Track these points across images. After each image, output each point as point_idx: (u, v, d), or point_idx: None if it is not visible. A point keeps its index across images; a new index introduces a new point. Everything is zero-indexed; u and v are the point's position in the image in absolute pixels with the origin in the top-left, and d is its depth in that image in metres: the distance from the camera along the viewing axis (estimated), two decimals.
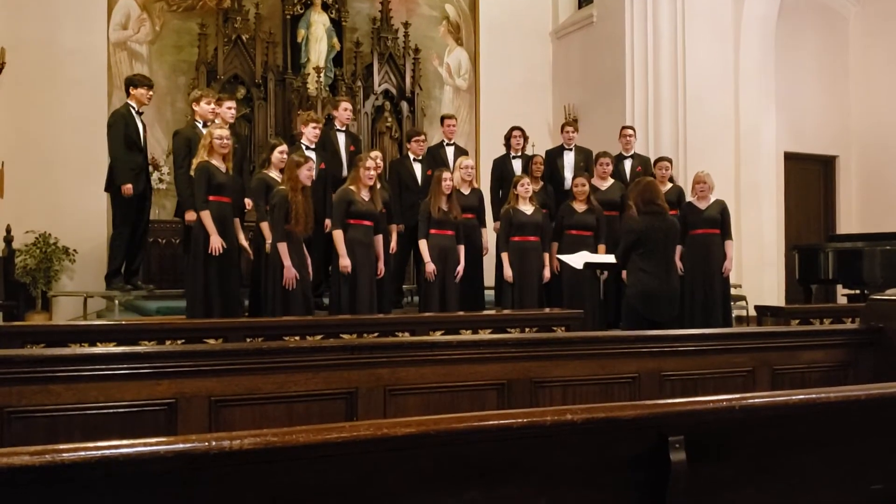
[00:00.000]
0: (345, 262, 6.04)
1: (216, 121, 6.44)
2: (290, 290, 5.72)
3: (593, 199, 7.07)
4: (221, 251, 5.77)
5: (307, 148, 6.74)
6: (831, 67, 11.26)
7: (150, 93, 7.05)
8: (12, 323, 6.05)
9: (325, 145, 7.14)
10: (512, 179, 7.61)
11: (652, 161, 8.06)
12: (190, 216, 6.15)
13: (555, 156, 8.08)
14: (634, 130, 8.35)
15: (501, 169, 7.94)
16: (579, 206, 7.00)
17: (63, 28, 8.67)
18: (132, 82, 7.02)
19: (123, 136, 6.81)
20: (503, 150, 8.11)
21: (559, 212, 7.16)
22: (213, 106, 6.54)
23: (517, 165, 7.84)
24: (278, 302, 5.72)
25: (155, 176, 8.18)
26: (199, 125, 6.53)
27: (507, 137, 8.01)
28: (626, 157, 8.03)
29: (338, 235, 6.10)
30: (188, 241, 6.16)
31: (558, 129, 8.66)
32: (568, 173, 7.92)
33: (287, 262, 5.70)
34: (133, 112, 6.93)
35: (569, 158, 8.06)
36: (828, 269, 8.92)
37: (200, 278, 5.81)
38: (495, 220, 7.51)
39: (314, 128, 6.85)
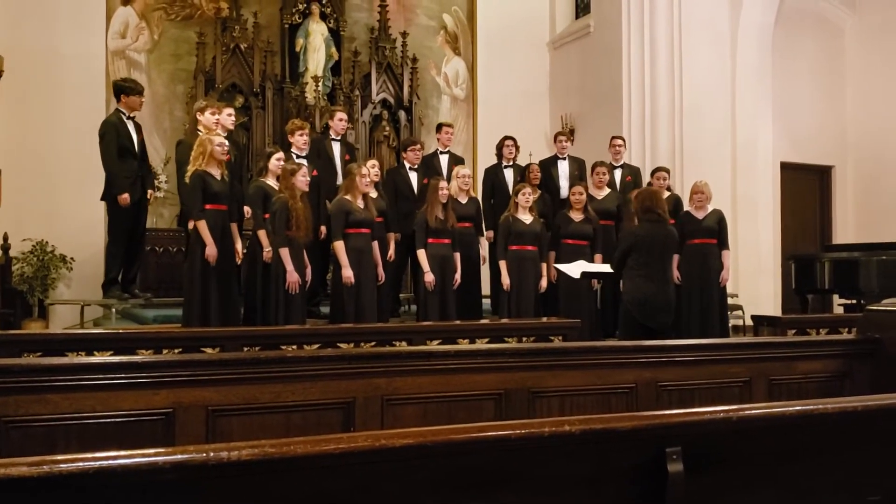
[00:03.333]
0: (347, 272, 6.03)
1: (216, 129, 6.43)
2: (293, 296, 5.75)
3: (590, 209, 7.08)
4: (216, 261, 5.77)
5: (297, 156, 6.73)
6: (828, 78, 11.31)
7: (142, 99, 7.00)
8: (9, 331, 6.03)
9: (320, 154, 7.15)
10: (503, 188, 7.63)
11: (645, 171, 8.10)
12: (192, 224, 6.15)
13: (548, 165, 8.10)
14: (624, 140, 8.38)
15: (493, 178, 7.97)
16: (576, 216, 7.00)
17: (61, 36, 8.68)
18: (122, 89, 6.94)
19: (115, 145, 6.76)
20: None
21: (555, 221, 7.16)
22: (217, 117, 6.54)
23: (509, 175, 7.86)
24: (280, 308, 5.74)
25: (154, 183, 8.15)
26: (202, 134, 6.52)
27: (499, 147, 8.03)
28: (616, 167, 8.04)
29: (339, 247, 6.09)
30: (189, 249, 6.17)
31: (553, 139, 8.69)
32: (563, 182, 7.94)
33: (290, 267, 5.73)
34: (124, 118, 6.88)
35: (563, 168, 8.08)
36: (824, 278, 8.93)
37: (197, 287, 5.81)
38: (487, 229, 7.52)
39: (301, 135, 6.85)
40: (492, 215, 7.55)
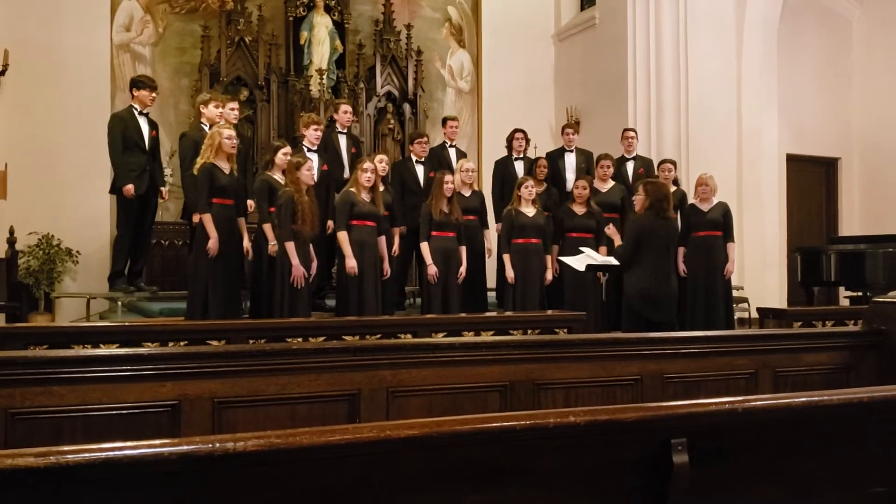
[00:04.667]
0: (351, 263, 6.06)
1: (220, 122, 6.44)
2: (298, 290, 5.76)
3: (592, 202, 7.06)
4: (218, 254, 5.77)
5: (308, 150, 6.75)
6: (833, 70, 11.26)
7: (153, 94, 7.07)
8: (15, 324, 6.06)
9: (327, 147, 7.16)
10: (513, 181, 7.62)
11: (655, 163, 8.07)
12: (197, 218, 6.16)
13: (556, 158, 8.09)
14: (636, 132, 8.36)
15: (503, 171, 7.96)
16: (578, 209, 7.00)
17: (66, 30, 8.68)
18: (134, 83, 7.06)
19: (121, 138, 6.84)
20: (505, 153, 8.13)
21: (558, 214, 7.16)
22: (220, 109, 6.55)
23: (519, 167, 7.85)
24: (286, 301, 5.76)
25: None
26: (206, 127, 6.54)
27: (510, 139, 8.03)
28: (628, 160, 8.04)
29: (342, 237, 6.12)
30: (194, 242, 6.18)
31: (560, 132, 8.67)
32: (570, 175, 7.92)
33: (295, 260, 5.74)
34: (135, 113, 6.94)
35: (570, 160, 8.07)
36: (830, 271, 8.91)
37: (201, 280, 5.82)
38: (497, 221, 7.52)
39: (315, 129, 6.86)
40: (502, 208, 7.54)
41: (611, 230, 6.42)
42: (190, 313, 5.89)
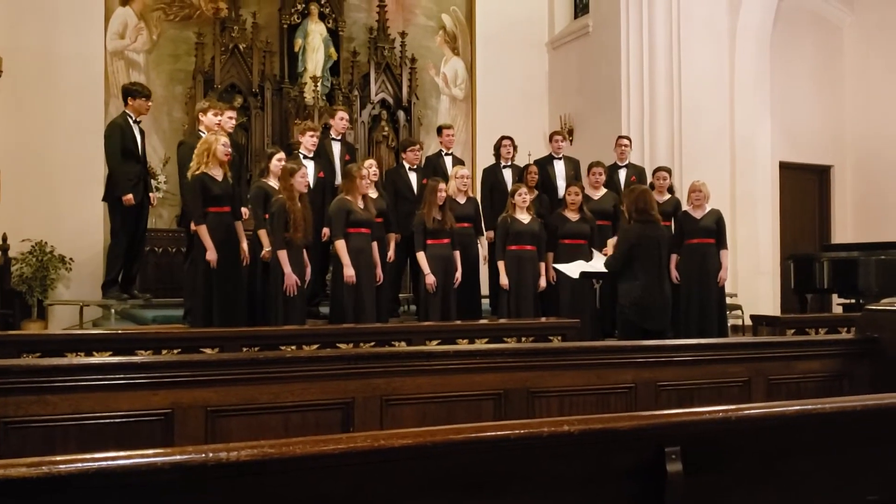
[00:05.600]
0: (349, 272, 6.04)
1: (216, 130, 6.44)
2: (292, 298, 5.75)
3: (585, 209, 7.08)
4: (217, 265, 5.76)
5: (304, 157, 6.75)
6: (826, 77, 11.31)
7: (149, 103, 7.05)
8: (8, 332, 6.04)
9: (321, 154, 7.15)
10: (502, 188, 7.63)
11: (649, 170, 8.08)
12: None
13: (545, 165, 8.08)
14: (630, 140, 8.37)
15: (491, 178, 7.95)
16: (572, 215, 7.01)
17: (60, 36, 8.68)
18: (130, 92, 7.01)
19: (120, 146, 6.82)
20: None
21: (551, 220, 7.15)
22: (219, 118, 6.54)
23: (507, 174, 7.85)
24: (280, 308, 5.75)
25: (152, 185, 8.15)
26: (204, 135, 6.53)
27: (497, 147, 8.01)
28: (621, 167, 8.04)
29: (340, 246, 6.09)
30: (192, 250, 6.17)
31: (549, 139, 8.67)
32: (560, 182, 7.92)
33: (287, 269, 5.72)
34: (130, 121, 6.94)
35: (559, 167, 8.06)
36: (823, 278, 8.93)
37: (201, 290, 5.81)
38: (487, 229, 7.52)
39: (311, 136, 6.87)
40: (491, 215, 7.54)
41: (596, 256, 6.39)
42: (192, 324, 5.86)
